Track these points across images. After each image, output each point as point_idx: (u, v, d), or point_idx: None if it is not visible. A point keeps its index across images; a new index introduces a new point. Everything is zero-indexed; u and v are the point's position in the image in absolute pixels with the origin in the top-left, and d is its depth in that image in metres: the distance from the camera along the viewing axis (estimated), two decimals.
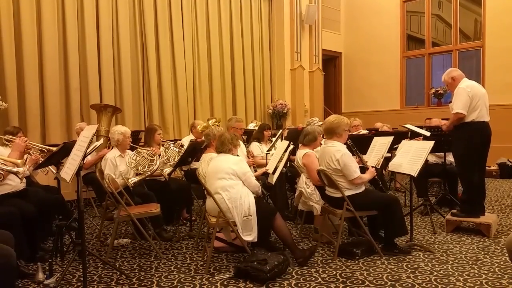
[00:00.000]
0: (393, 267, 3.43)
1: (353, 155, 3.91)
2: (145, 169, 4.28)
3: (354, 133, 5.98)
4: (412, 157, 3.88)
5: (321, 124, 5.30)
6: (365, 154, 4.39)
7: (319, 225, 4.16)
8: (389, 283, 3.11)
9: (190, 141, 4.97)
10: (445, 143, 4.93)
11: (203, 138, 5.32)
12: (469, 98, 4.23)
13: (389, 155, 5.05)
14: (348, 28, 11.57)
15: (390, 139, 4.29)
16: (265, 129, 5.85)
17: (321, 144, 4.37)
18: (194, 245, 4.12)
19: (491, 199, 6.14)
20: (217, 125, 5.36)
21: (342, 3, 11.56)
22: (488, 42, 9.24)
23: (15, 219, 3.33)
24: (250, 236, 3.43)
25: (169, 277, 3.31)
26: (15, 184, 3.74)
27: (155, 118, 7.48)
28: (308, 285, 3.10)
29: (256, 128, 6.51)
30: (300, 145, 4.45)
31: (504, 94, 8.59)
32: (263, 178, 4.47)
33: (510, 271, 3.29)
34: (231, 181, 3.51)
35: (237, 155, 3.85)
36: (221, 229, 3.71)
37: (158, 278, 3.28)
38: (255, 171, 4.38)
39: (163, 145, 4.91)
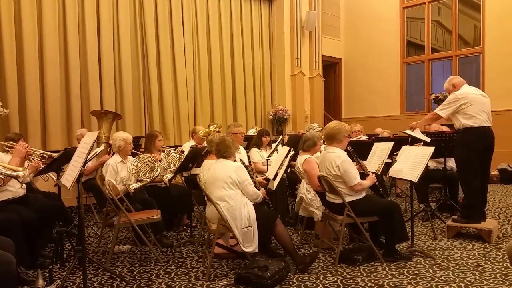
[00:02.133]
0: (394, 273, 3.42)
1: (353, 161, 3.91)
2: (146, 175, 4.29)
3: (354, 139, 5.99)
4: (412, 163, 3.88)
5: (321, 130, 5.32)
6: (366, 160, 4.40)
7: (320, 231, 4.15)
8: None
9: (190, 147, 4.97)
10: (445, 149, 4.94)
11: (204, 144, 5.33)
12: (458, 105, 4.28)
13: (389, 161, 5.05)
14: (348, 34, 11.62)
15: (390, 145, 4.29)
16: (264, 135, 5.85)
17: (321, 150, 4.37)
18: (195, 252, 4.12)
19: (491, 205, 6.13)
20: (218, 131, 5.36)
21: (342, 9, 11.62)
22: (487, 48, 9.26)
23: (15, 225, 3.33)
24: (251, 247, 3.40)
25: (169, 283, 3.30)
26: (15, 190, 3.74)
27: (156, 124, 7.49)
28: None
29: (256, 134, 6.52)
30: (300, 151, 4.45)
31: (504, 100, 8.59)
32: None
33: (511, 277, 3.28)
34: (230, 191, 3.45)
35: (237, 160, 3.85)
36: (221, 235, 3.70)
37: (158, 285, 3.28)
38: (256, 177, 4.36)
39: (163, 151, 4.91)
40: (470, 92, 4.35)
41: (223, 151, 3.66)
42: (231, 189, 3.46)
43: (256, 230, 3.43)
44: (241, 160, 3.93)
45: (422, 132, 4.98)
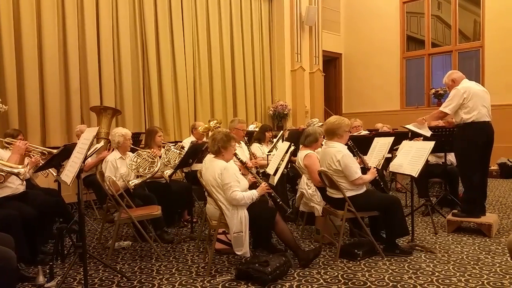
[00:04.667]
0: (394, 267, 3.43)
1: (354, 156, 3.90)
2: (146, 171, 4.28)
3: (354, 134, 5.98)
4: (413, 158, 3.88)
5: (322, 125, 5.31)
6: (366, 154, 4.39)
7: (321, 226, 4.16)
8: (391, 284, 3.10)
9: (191, 142, 4.96)
10: (445, 144, 4.93)
11: (204, 139, 5.32)
12: (461, 100, 4.26)
13: (389, 155, 5.04)
14: (348, 29, 11.58)
15: (390, 139, 4.29)
16: (267, 130, 5.85)
17: (322, 145, 4.37)
18: (196, 247, 4.12)
19: (491, 199, 6.14)
20: (218, 126, 5.35)
21: (342, 4, 11.58)
22: (487, 43, 9.24)
23: (15, 222, 3.33)
24: (240, 251, 3.39)
25: (170, 279, 3.30)
26: (15, 187, 3.74)
27: (156, 120, 7.48)
28: (309, 287, 3.09)
29: (256, 129, 6.51)
30: (301, 146, 4.44)
31: (504, 95, 8.59)
32: (264, 179, 4.45)
33: (511, 271, 3.29)
34: (219, 195, 3.40)
35: (236, 156, 3.80)
36: (223, 231, 3.69)
37: (159, 281, 3.28)
38: (258, 172, 4.33)
39: (163, 147, 4.90)
40: (471, 86, 4.34)
41: (210, 147, 3.59)
42: (219, 193, 3.41)
43: (248, 235, 3.38)
44: (236, 155, 3.84)
45: None
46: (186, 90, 8.00)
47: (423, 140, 4.71)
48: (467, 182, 4.44)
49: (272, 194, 3.65)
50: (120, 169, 4.27)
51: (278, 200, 3.64)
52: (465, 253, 3.75)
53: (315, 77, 10.32)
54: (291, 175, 5.48)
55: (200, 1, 8.27)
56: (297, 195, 4.53)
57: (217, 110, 8.58)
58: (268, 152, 5.36)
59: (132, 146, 4.64)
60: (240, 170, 3.71)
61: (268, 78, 9.83)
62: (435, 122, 5.54)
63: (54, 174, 4.23)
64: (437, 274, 3.27)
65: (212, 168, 3.48)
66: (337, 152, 3.74)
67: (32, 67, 5.95)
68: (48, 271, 3.23)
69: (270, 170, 4.40)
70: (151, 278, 3.33)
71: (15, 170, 3.10)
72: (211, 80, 8.51)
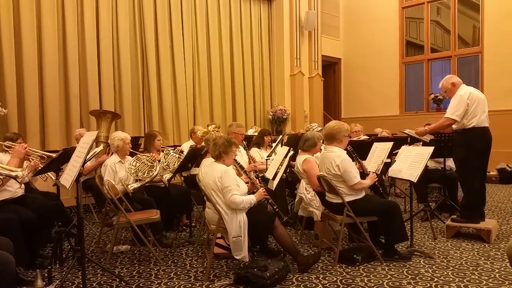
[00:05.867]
0: (393, 273, 3.42)
1: (353, 161, 3.91)
2: (145, 175, 4.28)
3: (354, 139, 5.99)
4: (412, 163, 3.88)
5: (321, 130, 5.32)
6: (365, 159, 4.39)
7: (320, 231, 4.15)
8: None
9: (190, 147, 4.96)
10: (444, 149, 4.94)
11: (203, 143, 5.32)
12: (466, 106, 4.26)
13: (389, 160, 5.05)
14: (347, 34, 11.63)
15: (389, 144, 4.29)
16: (266, 135, 5.86)
17: (321, 149, 4.37)
18: (194, 252, 4.11)
19: (490, 205, 6.14)
20: (217, 131, 5.35)
21: (341, 9, 11.62)
22: (486, 48, 9.27)
23: (14, 225, 3.33)
24: (239, 255, 3.38)
25: (168, 284, 3.30)
26: (13, 190, 3.74)
27: (155, 124, 7.48)
28: None
29: (255, 133, 6.51)
30: (300, 150, 4.45)
31: (503, 100, 8.60)
32: (263, 184, 4.45)
33: (510, 277, 3.29)
34: (218, 199, 3.40)
35: (235, 160, 3.79)
36: (221, 236, 3.68)
37: (157, 285, 3.27)
38: (257, 176, 4.32)
39: (162, 151, 4.90)
40: (473, 92, 4.35)
41: (211, 152, 3.60)
42: (219, 197, 3.41)
43: (247, 239, 3.37)
44: (235, 160, 3.83)
45: None
46: (185, 95, 8.01)
47: (422, 145, 4.72)
48: (467, 188, 4.44)
49: (270, 201, 3.62)
50: (119, 173, 4.27)
51: (275, 207, 3.63)
52: (464, 258, 3.75)
53: (314, 81, 10.34)
54: (290, 179, 5.48)
55: (200, 7, 8.29)
56: (296, 200, 4.53)
57: (216, 115, 8.58)
58: (267, 156, 5.36)
59: (131, 150, 4.64)
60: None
61: (267, 83, 9.85)
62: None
63: (53, 178, 4.23)
64: (436, 279, 3.26)
65: (212, 172, 3.48)
66: (336, 156, 3.74)
67: (32, 70, 5.96)
68: (46, 274, 3.22)
69: (269, 174, 4.39)
70: (149, 283, 3.33)
71: (13, 173, 3.10)
72: (210, 84, 8.52)
